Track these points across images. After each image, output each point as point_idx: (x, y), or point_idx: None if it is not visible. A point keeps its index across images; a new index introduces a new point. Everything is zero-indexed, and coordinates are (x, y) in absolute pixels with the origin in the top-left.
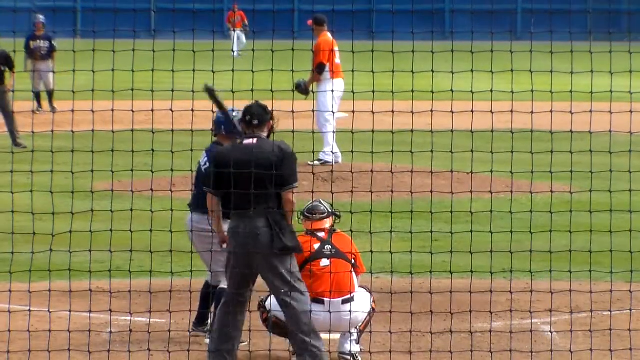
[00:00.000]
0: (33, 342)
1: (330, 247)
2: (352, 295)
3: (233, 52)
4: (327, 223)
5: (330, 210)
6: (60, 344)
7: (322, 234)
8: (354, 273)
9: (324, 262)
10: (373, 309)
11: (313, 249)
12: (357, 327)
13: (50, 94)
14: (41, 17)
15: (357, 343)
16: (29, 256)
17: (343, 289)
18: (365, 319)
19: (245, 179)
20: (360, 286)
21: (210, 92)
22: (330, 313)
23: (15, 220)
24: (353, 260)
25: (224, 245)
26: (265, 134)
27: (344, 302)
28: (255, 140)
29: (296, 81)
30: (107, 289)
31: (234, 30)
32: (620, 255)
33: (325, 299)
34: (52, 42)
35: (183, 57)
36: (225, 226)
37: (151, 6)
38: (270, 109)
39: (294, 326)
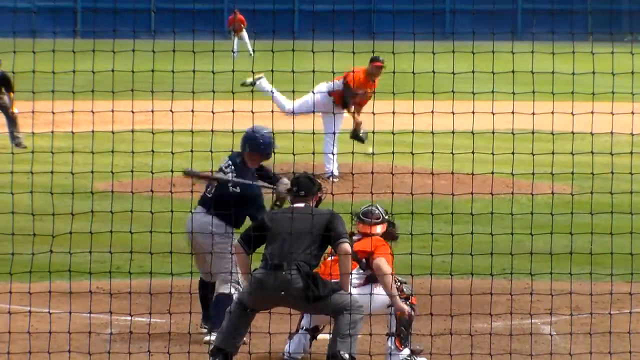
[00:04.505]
0: (33, 343)
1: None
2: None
3: (234, 53)
4: (379, 228)
5: (384, 217)
6: (60, 345)
7: (356, 237)
8: (361, 269)
9: (330, 257)
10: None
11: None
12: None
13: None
14: None
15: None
16: (29, 256)
17: (334, 276)
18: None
19: (288, 235)
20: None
21: (192, 175)
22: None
23: (15, 221)
24: (364, 260)
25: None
26: (310, 204)
27: None
28: (303, 205)
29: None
30: (107, 289)
31: (237, 37)
32: (620, 256)
33: None
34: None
35: (183, 57)
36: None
37: (151, 6)
38: (317, 180)
39: (337, 330)
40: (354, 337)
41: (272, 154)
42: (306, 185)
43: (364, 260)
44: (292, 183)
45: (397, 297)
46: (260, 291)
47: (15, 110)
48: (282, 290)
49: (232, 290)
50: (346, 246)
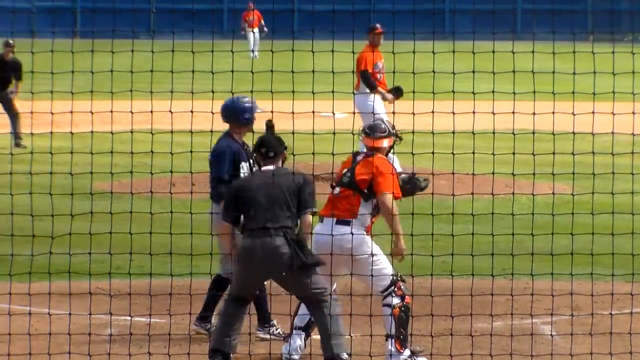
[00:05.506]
0: (33, 344)
1: (349, 174)
2: (350, 220)
3: (253, 52)
4: (386, 142)
5: (391, 131)
6: (60, 346)
7: (359, 157)
8: (365, 207)
9: (336, 190)
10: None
11: (340, 176)
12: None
13: None
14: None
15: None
16: (29, 257)
17: (341, 212)
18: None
19: (266, 200)
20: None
21: None
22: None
23: (15, 221)
24: (366, 190)
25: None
26: (280, 165)
27: (339, 222)
28: (272, 167)
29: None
30: (107, 290)
31: (252, 31)
32: (621, 256)
33: (325, 218)
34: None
35: (182, 58)
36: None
37: (150, 6)
38: (282, 139)
39: (324, 330)
40: (344, 334)
41: (253, 120)
42: (274, 145)
43: (365, 190)
44: (259, 144)
45: (401, 237)
46: (247, 261)
47: (15, 102)
48: (268, 258)
49: None
50: (309, 218)
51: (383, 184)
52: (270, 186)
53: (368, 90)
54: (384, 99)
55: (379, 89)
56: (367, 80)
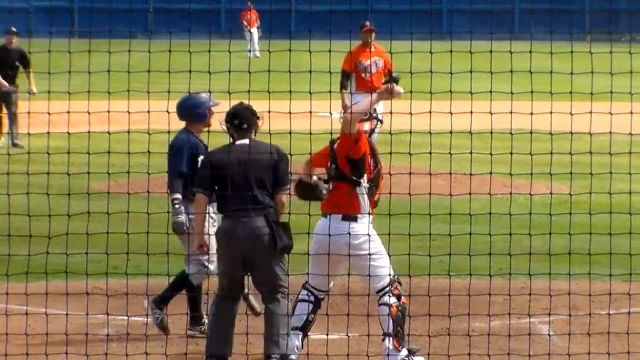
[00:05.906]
0: (30, 343)
1: (334, 166)
2: (351, 215)
3: (249, 52)
4: (367, 125)
5: (371, 114)
6: (57, 345)
7: (335, 145)
8: (362, 196)
9: (330, 186)
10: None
11: (327, 168)
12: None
13: None
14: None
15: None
16: (26, 257)
17: (341, 208)
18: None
19: (244, 179)
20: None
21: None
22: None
23: (12, 221)
24: (354, 177)
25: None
26: (253, 136)
27: (344, 219)
28: (247, 140)
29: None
30: (104, 289)
31: (249, 30)
32: (619, 256)
33: (327, 214)
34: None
35: (179, 58)
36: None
37: (148, 6)
38: (254, 109)
39: (272, 325)
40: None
41: (208, 115)
42: (247, 116)
43: (353, 177)
44: (232, 115)
45: (376, 93)
46: (229, 242)
47: (34, 89)
48: (250, 239)
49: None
50: (284, 199)
51: (342, 133)
52: (248, 162)
53: (362, 89)
54: (343, 103)
55: (343, 91)
56: (341, 79)
